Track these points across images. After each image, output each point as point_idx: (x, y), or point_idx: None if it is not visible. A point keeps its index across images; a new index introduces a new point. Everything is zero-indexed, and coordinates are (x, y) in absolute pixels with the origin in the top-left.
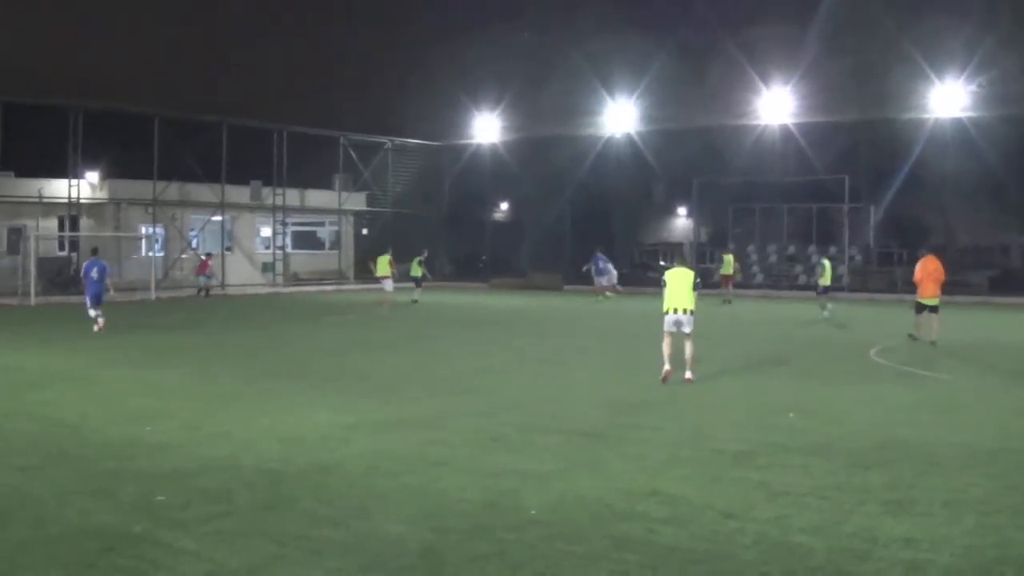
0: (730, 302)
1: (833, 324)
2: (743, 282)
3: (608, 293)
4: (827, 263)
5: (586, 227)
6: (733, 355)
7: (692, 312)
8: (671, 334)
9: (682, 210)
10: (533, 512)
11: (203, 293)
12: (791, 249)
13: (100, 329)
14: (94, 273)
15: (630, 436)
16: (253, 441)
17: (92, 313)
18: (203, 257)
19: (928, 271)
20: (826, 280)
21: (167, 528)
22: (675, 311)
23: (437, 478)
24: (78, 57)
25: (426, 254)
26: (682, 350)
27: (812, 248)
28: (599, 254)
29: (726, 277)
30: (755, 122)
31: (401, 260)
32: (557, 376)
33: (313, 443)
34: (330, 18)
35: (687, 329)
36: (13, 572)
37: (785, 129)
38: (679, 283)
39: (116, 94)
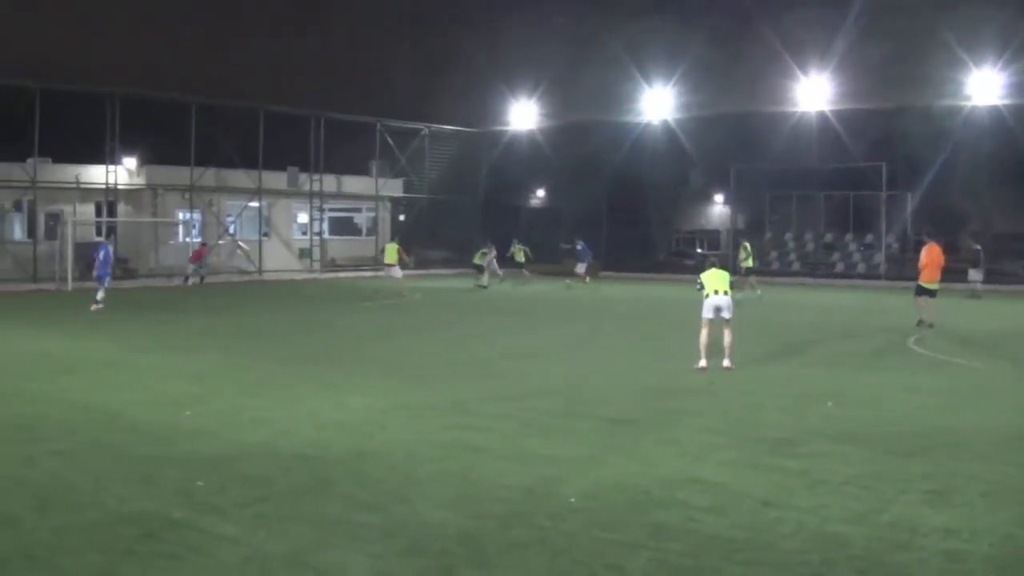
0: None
1: (751, 303)
2: (781, 269)
3: (583, 279)
4: (747, 245)
5: (622, 214)
6: (769, 342)
7: (731, 296)
8: (710, 321)
9: (719, 197)
10: (572, 500)
11: (190, 281)
12: (828, 237)
13: (94, 311)
14: (100, 255)
15: (667, 422)
16: (291, 426)
17: (98, 295)
18: (201, 244)
19: (932, 257)
20: (748, 262)
21: (206, 514)
22: (715, 292)
23: (475, 464)
24: (115, 44)
25: (493, 250)
26: (719, 340)
27: (849, 236)
28: (580, 242)
29: (749, 269)
30: (792, 109)
31: (439, 247)
32: (593, 361)
33: (351, 428)
34: (367, 4)
35: (726, 315)
36: (52, 558)
37: (822, 116)
38: (717, 281)
39: (153, 81)
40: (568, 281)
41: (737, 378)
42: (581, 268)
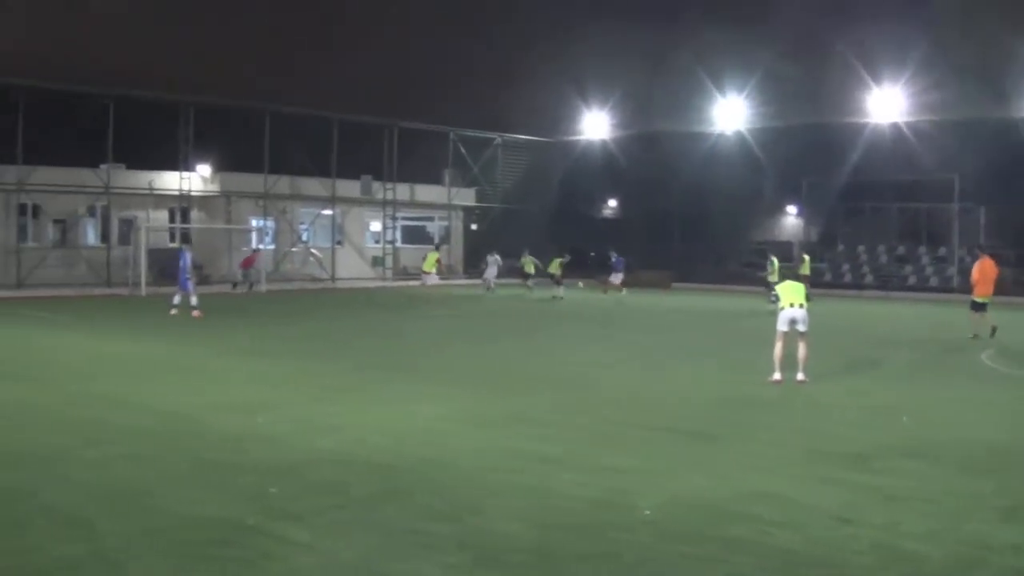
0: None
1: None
2: (854, 282)
3: (609, 290)
4: (775, 260)
5: (694, 225)
6: (843, 356)
7: (806, 308)
8: (785, 334)
9: (791, 209)
10: (647, 512)
11: (241, 287)
12: (901, 250)
13: (173, 315)
14: (180, 261)
15: (741, 435)
16: (364, 434)
17: (175, 299)
18: (252, 251)
19: (984, 271)
20: (774, 277)
21: (280, 520)
22: (791, 305)
23: (548, 474)
24: (189, 52)
25: (567, 257)
26: (793, 353)
27: (922, 249)
28: (614, 253)
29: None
30: (865, 120)
31: (512, 255)
32: (665, 373)
33: (423, 436)
34: (440, 14)
35: (802, 327)
36: (126, 562)
37: (895, 127)
38: (792, 294)
39: (227, 89)
40: (581, 284)
41: (811, 392)
42: (616, 278)
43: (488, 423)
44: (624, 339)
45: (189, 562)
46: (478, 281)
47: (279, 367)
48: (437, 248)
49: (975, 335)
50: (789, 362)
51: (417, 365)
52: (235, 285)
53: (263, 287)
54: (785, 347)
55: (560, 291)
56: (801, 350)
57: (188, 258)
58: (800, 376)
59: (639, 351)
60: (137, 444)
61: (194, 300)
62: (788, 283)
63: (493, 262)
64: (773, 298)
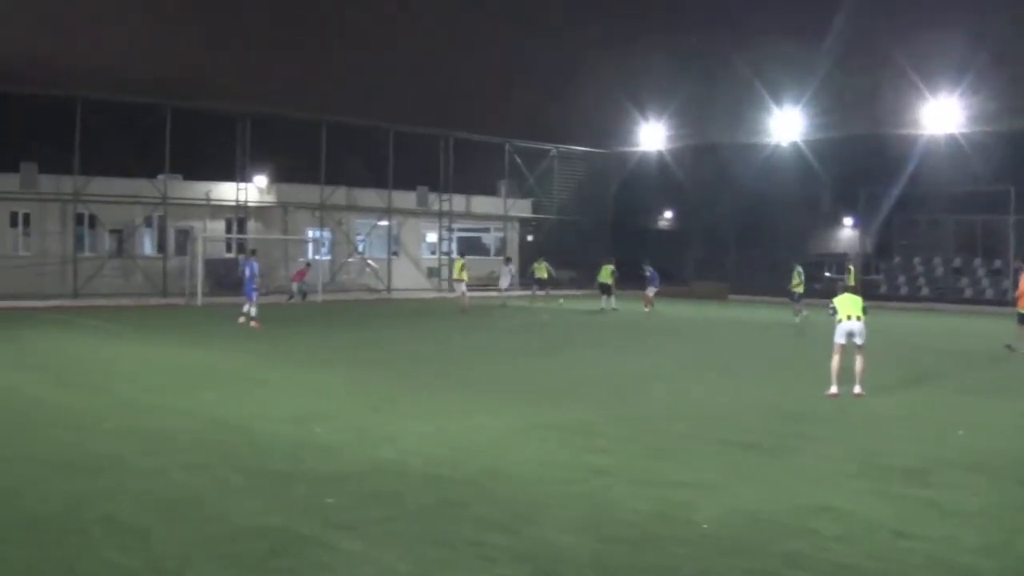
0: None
1: (799, 331)
2: (910, 294)
3: (650, 304)
4: (800, 270)
5: (751, 236)
6: (899, 369)
7: (863, 321)
8: (842, 347)
9: (848, 220)
10: (705, 526)
11: (296, 299)
12: (957, 262)
13: (241, 323)
14: (245, 272)
15: (798, 448)
16: (420, 445)
17: (245, 308)
18: (304, 264)
19: None
20: (798, 287)
21: (336, 530)
22: (848, 318)
23: (605, 487)
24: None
25: (614, 263)
26: (850, 366)
27: (977, 261)
28: (649, 267)
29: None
30: (921, 131)
31: (568, 267)
32: (721, 385)
33: (480, 448)
34: (496, 25)
35: (859, 340)
36: (182, 572)
37: (951, 138)
38: (850, 306)
39: (283, 100)
40: (561, 300)
41: (868, 405)
42: (651, 292)
43: (545, 434)
44: (680, 351)
45: (244, 572)
46: (541, 293)
47: (336, 377)
48: (463, 255)
49: (1009, 346)
50: (846, 375)
51: (473, 376)
52: (290, 297)
53: (319, 297)
54: (842, 360)
55: (611, 302)
56: (858, 363)
57: (255, 267)
58: (857, 389)
59: (696, 363)
60: (194, 453)
61: (253, 311)
62: (846, 296)
63: (507, 272)
64: (831, 311)
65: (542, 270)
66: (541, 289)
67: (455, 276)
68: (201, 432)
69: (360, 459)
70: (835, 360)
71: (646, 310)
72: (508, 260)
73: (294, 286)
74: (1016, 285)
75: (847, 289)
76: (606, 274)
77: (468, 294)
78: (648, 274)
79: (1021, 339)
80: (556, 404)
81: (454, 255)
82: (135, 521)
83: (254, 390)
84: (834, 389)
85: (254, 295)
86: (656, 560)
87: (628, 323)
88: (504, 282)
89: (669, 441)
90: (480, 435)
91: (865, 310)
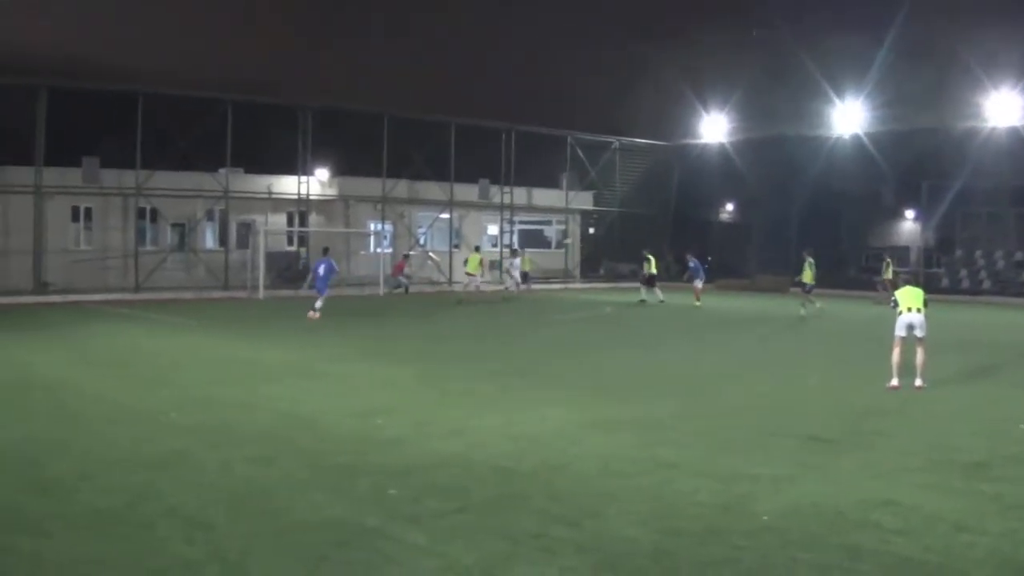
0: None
1: (812, 319)
2: (971, 288)
3: (697, 297)
4: (812, 261)
5: (813, 229)
6: (961, 362)
7: (924, 313)
8: (903, 339)
9: (909, 213)
10: (766, 518)
11: (393, 292)
12: (1018, 255)
13: (311, 319)
14: (321, 270)
15: (861, 442)
16: (485, 438)
17: (317, 304)
18: (402, 256)
19: None
20: (809, 278)
21: (400, 523)
22: (909, 310)
23: (669, 480)
24: (307, 58)
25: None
26: (911, 359)
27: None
28: (693, 258)
29: (887, 280)
30: (983, 124)
31: (630, 260)
32: (784, 379)
33: (544, 441)
34: (557, 18)
35: (919, 333)
36: (246, 562)
37: (1013, 131)
38: (911, 299)
39: (344, 93)
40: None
41: (929, 398)
42: (699, 284)
43: (608, 428)
44: (742, 345)
45: (309, 564)
46: (596, 285)
47: (400, 371)
48: (478, 249)
49: None
50: (907, 368)
51: (537, 369)
52: (399, 287)
53: (382, 289)
54: (903, 353)
55: (656, 294)
56: (919, 356)
57: (333, 265)
58: (918, 382)
59: (758, 357)
60: (257, 447)
61: (319, 303)
62: (908, 288)
63: (516, 265)
64: (892, 304)
65: (526, 262)
66: (524, 282)
67: (469, 270)
68: (265, 425)
69: (424, 452)
70: (896, 353)
71: (697, 304)
72: (515, 252)
73: (391, 281)
74: None
75: (906, 282)
76: (651, 266)
77: (474, 286)
78: (692, 265)
79: None
80: (622, 398)
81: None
82: (199, 514)
83: (318, 383)
84: (895, 382)
85: (326, 291)
86: (718, 552)
87: (691, 318)
88: (514, 274)
89: (733, 435)
90: (545, 428)
91: (926, 303)
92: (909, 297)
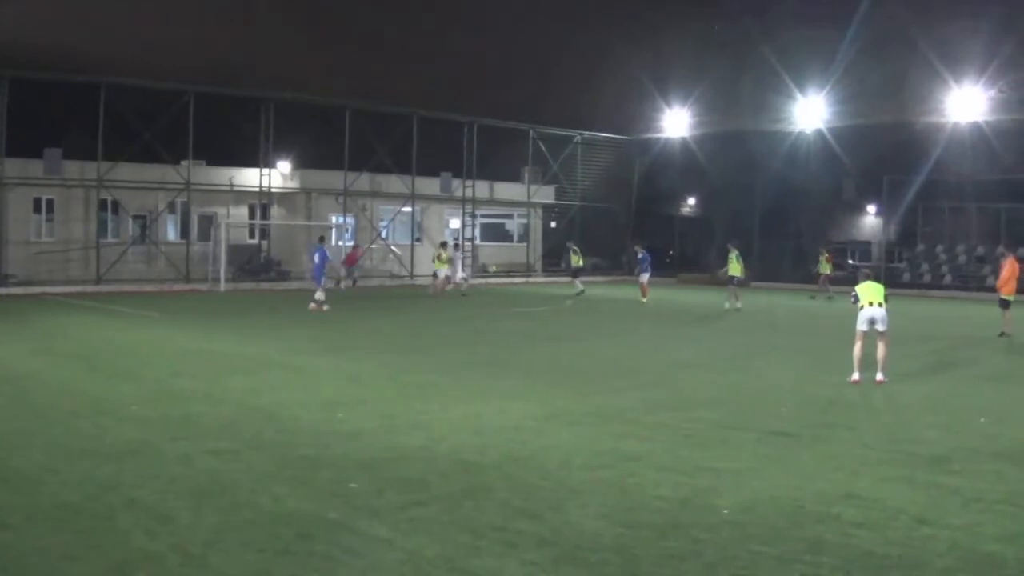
0: (831, 298)
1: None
2: (933, 282)
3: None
4: (736, 254)
5: (774, 224)
6: (922, 356)
7: (885, 308)
8: (864, 334)
9: (871, 208)
10: (727, 512)
11: (343, 285)
12: (980, 250)
13: (314, 310)
14: (316, 257)
15: (823, 436)
16: (447, 431)
17: (317, 295)
18: (353, 247)
19: (1014, 271)
20: (735, 271)
21: (362, 516)
22: (870, 304)
23: (631, 473)
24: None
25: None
26: (872, 353)
27: (1000, 249)
28: (642, 250)
29: (822, 274)
30: (945, 119)
31: (591, 254)
32: (747, 372)
33: (507, 434)
34: (519, 11)
35: (881, 327)
36: (208, 555)
37: (975, 126)
38: (872, 293)
39: (306, 85)
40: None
41: (891, 392)
42: (644, 278)
43: (572, 421)
44: (704, 338)
45: (271, 556)
46: (557, 279)
47: (363, 365)
48: (444, 245)
49: (1002, 332)
50: (868, 362)
51: (501, 362)
52: (338, 282)
53: (343, 284)
54: (864, 347)
55: (576, 285)
56: (880, 350)
57: (325, 254)
58: (879, 376)
59: (720, 351)
60: (220, 439)
61: (321, 295)
62: (868, 283)
63: (458, 257)
64: (853, 298)
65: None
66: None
67: (437, 265)
68: (227, 418)
69: (387, 445)
70: (857, 347)
71: (643, 300)
72: (444, 245)
73: (343, 270)
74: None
75: (866, 277)
76: (578, 258)
77: (440, 282)
78: (639, 256)
79: (1007, 324)
80: (586, 391)
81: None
82: (161, 506)
83: (281, 376)
84: (856, 376)
85: (323, 280)
86: (679, 545)
87: (653, 311)
88: (459, 269)
89: (696, 428)
90: (509, 421)
91: (887, 297)
92: (869, 292)
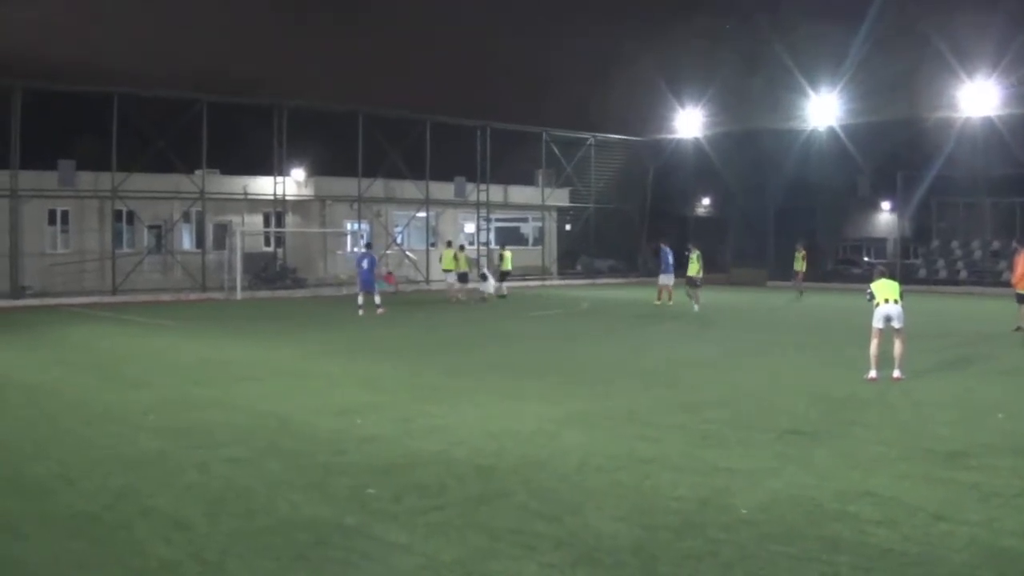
0: (801, 295)
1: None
2: (948, 278)
3: (664, 296)
4: (697, 254)
5: (789, 222)
6: (939, 352)
7: (901, 304)
8: (880, 331)
9: (886, 205)
10: (744, 511)
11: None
12: (995, 245)
13: (363, 315)
14: (364, 264)
15: (840, 433)
16: (464, 435)
17: (360, 300)
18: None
19: None
20: (694, 271)
21: (379, 521)
22: (886, 301)
23: (648, 475)
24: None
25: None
26: (888, 351)
27: (1015, 244)
28: (664, 247)
29: (798, 272)
30: (958, 114)
31: (606, 256)
32: (764, 371)
33: (524, 437)
34: (532, 15)
35: (897, 324)
36: (224, 562)
37: (988, 121)
38: (887, 291)
39: (320, 92)
40: (663, 302)
41: (907, 388)
42: (667, 280)
43: (588, 423)
44: (722, 338)
45: (288, 563)
46: (573, 281)
47: (379, 369)
48: (450, 244)
49: (1019, 327)
50: (885, 359)
51: (518, 366)
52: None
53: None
54: (880, 344)
55: (498, 288)
56: (897, 347)
57: (374, 259)
58: (896, 373)
59: (737, 350)
60: (236, 447)
61: (378, 299)
62: (883, 280)
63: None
64: (868, 296)
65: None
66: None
67: (445, 267)
68: (244, 425)
69: (404, 450)
70: (874, 344)
71: (657, 303)
72: (449, 244)
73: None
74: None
75: (881, 274)
76: (505, 262)
77: (458, 286)
78: (662, 253)
79: (1023, 318)
80: (602, 393)
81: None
82: (178, 514)
83: (297, 383)
84: (873, 373)
85: (375, 285)
86: (697, 546)
87: (668, 311)
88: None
89: (712, 428)
90: (526, 425)
91: (902, 294)
92: (885, 289)
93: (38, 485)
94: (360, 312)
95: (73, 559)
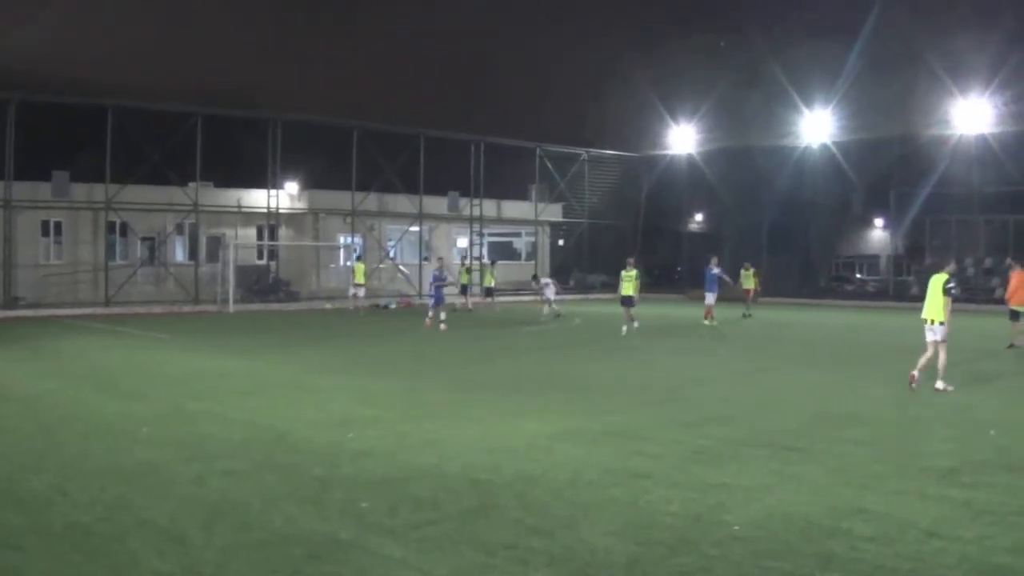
0: (750, 316)
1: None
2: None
3: (710, 316)
4: (634, 272)
5: (782, 238)
6: (932, 369)
7: (942, 323)
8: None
9: (879, 221)
10: (737, 528)
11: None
12: (988, 262)
13: (428, 327)
14: (446, 278)
15: (835, 450)
16: (459, 450)
17: (431, 313)
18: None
19: (1022, 282)
20: (630, 290)
21: (374, 535)
22: (924, 322)
23: (643, 490)
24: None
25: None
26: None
27: (1009, 261)
28: (715, 264)
29: (748, 290)
30: (951, 131)
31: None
32: (760, 387)
33: (519, 453)
34: (526, 30)
35: (935, 337)
36: None
37: (981, 138)
38: (931, 289)
39: (314, 106)
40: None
41: (903, 404)
42: (711, 299)
43: (583, 439)
44: (718, 353)
45: None
46: (566, 297)
47: (374, 384)
48: (360, 259)
49: (1011, 344)
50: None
51: (512, 381)
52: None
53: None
54: (928, 355)
55: (466, 302)
56: (940, 357)
57: (436, 274)
58: (938, 384)
59: (732, 366)
60: (231, 460)
61: (443, 315)
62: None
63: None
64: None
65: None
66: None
67: (357, 280)
68: (238, 438)
69: (399, 464)
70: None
71: (706, 322)
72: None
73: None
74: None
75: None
76: (488, 277)
77: (362, 298)
78: (711, 273)
79: (1018, 335)
80: (597, 409)
81: (485, 260)
82: (173, 528)
83: (292, 396)
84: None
85: (438, 299)
86: (690, 562)
87: (663, 327)
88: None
89: (710, 444)
90: (521, 440)
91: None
92: (926, 305)
93: (33, 497)
94: (427, 324)
95: (68, 571)
